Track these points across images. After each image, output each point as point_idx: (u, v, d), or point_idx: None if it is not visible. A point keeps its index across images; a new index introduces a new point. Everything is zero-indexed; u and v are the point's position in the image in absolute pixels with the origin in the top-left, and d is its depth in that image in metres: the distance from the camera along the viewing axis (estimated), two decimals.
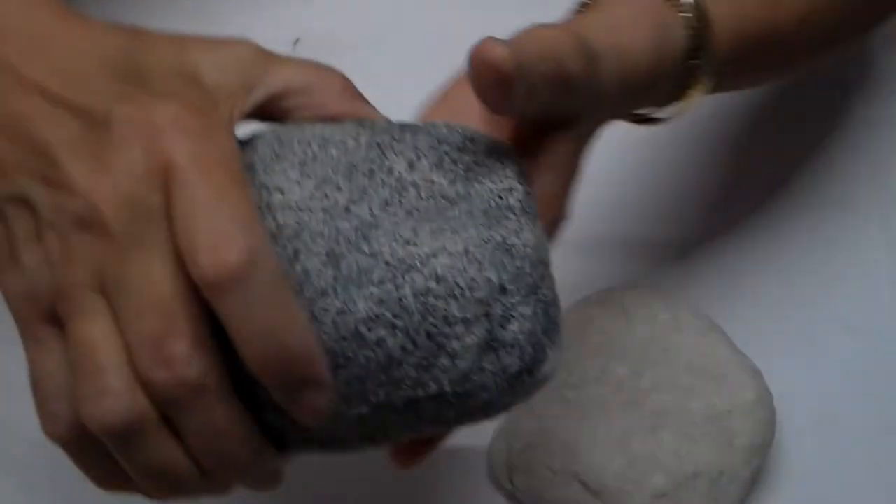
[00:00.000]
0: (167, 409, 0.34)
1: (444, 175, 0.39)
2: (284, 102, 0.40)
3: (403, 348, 0.36)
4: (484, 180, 0.40)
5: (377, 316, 0.35)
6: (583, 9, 0.49)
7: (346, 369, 0.35)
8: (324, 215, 0.36)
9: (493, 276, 0.37)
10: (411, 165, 0.39)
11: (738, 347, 0.57)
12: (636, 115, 0.50)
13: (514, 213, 0.39)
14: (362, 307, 0.35)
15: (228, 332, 0.33)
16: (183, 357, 0.33)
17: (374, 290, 0.35)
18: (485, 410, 0.38)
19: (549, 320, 0.38)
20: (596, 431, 0.54)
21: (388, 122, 0.41)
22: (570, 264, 0.59)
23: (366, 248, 0.36)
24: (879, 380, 0.61)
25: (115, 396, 0.33)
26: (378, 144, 0.39)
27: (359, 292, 0.35)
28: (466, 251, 0.37)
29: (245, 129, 0.40)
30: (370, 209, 0.37)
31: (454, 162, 0.39)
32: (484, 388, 0.37)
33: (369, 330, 0.35)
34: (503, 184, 0.40)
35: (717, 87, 0.49)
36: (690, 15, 0.47)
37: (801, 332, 0.62)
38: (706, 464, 0.53)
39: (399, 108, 0.66)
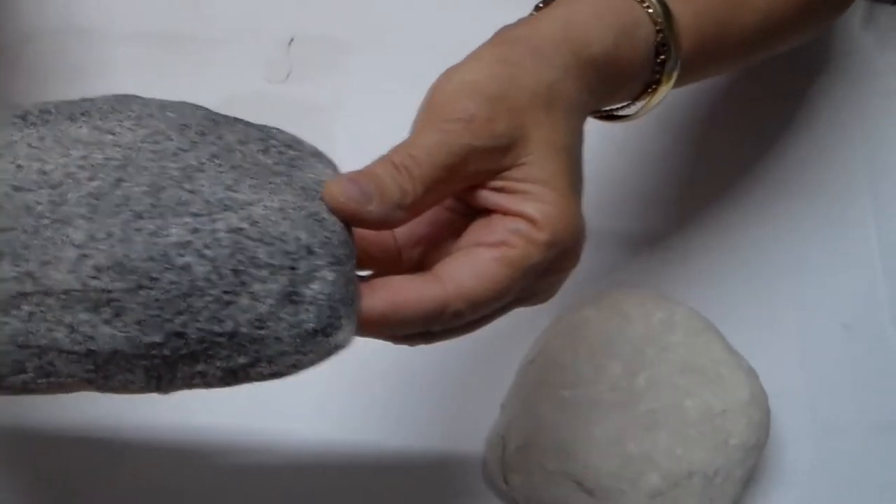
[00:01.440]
0: None
1: (269, 157, 0.42)
2: None
3: (208, 278, 0.37)
4: (305, 170, 0.42)
5: (188, 242, 0.38)
6: (543, 6, 0.49)
7: (149, 290, 0.37)
8: (152, 155, 0.39)
9: (303, 237, 0.39)
10: (241, 142, 0.42)
11: (733, 347, 0.57)
12: (603, 112, 0.50)
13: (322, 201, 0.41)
14: (175, 232, 0.38)
15: None
16: None
17: (189, 220, 0.38)
18: (273, 363, 0.39)
19: (348, 293, 0.40)
20: (591, 431, 0.54)
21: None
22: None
23: (187, 186, 0.39)
24: (874, 379, 0.61)
25: None
26: (213, 119, 0.42)
27: (175, 220, 0.38)
28: (282, 209, 0.39)
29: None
30: (197, 157, 0.40)
31: (280, 153, 0.42)
32: (278, 338, 0.38)
33: (179, 255, 0.37)
34: (322, 176, 0.42)
35: (680, 81, 0.50)
36: (654, 10, 0.48)
37: (796, 332, 0.62)
38: (701, 463, 0.53)
39: (393, 108, 0.67)
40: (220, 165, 0.40)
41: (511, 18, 0.72)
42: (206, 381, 0.39)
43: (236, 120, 0.43)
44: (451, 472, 0.58)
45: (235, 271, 0.38)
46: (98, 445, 0.58)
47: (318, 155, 0.43)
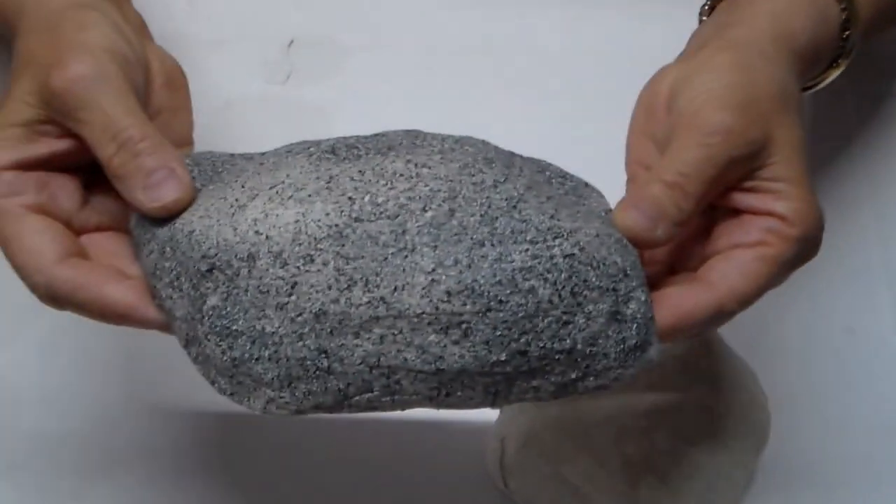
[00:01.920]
0: None
1: (556, 189, 0.46)
2: None
3: (550, 300, 0.41)
4: (588, 199, 0.47)
5: (531, 267, 0.41)
6: (716, 4, 0.52)
7: (497, 312, 0.40)
8: (474, 186, 0.43)
9: (619, 261, 0.42)
10: (532, 173, 0.45)
11: (734, 349, 0.57)
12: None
13: (615, 227, 0.44)
14: (518, 258, 0.41)
15: None
16: None
17: (527, 246, 0.41)
18: (599, 377, 0.42)
19: (653, 313, 0.43)
20: (590, 433, 0.54)
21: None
22: None
23: (517, 215, 0.42)
24: (875, 381, 0.61)
25: None
26: (503, 152, 0.46)
27: (514, 247, 0.41)
28: (598, 235, 0.43)
29: None
30: (515, 188, 0.43)
31: (560, 184, 0.47)
32: (605, 354, 0.42)
33: (525, 279, 0.41)
34: (603, 205, 0.46)
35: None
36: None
37: (796, 334, 0.62)
38: (701, 465, 0.53)
39: (394, 109, 0.67)
40: (537, 196, 0.43)
41: (510, 22, 0.73)
42: (538, 396, 0.42)
43: (511, 152, 0.47)
44: (451, 474, 0.57)
45: (573, 293, 0.41)
46: (98, 445, 0.58)
47: (588, 185, 0.48)
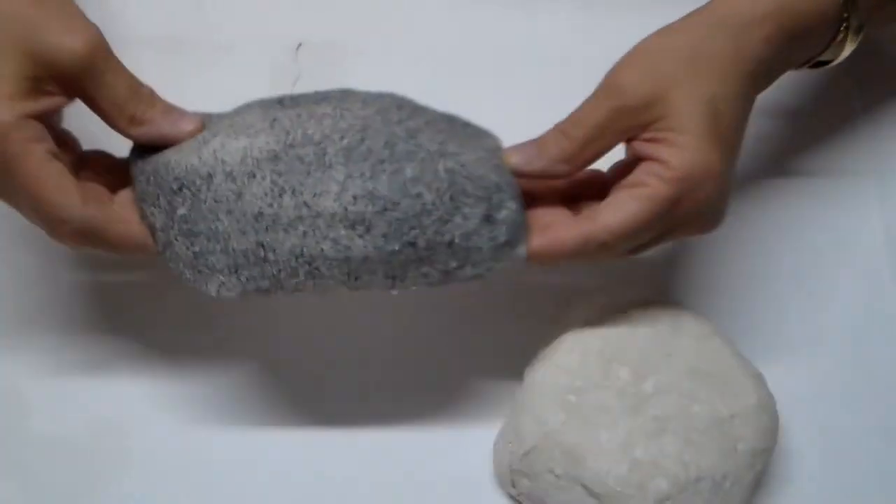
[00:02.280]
0: None
1: (458, 129, 0.56)
2: None
3: (434, 203, 0.52)
4: (483, 139, 0.56)
5: (418, 178, 0.52)
6: None
7: (392, 212, 0.51)
8: (382, 123, 0.54)
9: (494, 178, 0.53)
10: (440, 118, 0.56)
11: (741, 352, 0.57)
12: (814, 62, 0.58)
13: (503, 168, 0.54)
14: (409, 172, 0.52)
15: None
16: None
17: (417, 164, 0.52)
18: (476, 266, 0.53)
19: (524, 220, 0.54)
20: (599, 436, 0.54)
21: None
22: (571, 269, 0.60)
23: (412, 142, 0.53)
24: (884, 384, 0.61)
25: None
26: (416, 105, 0.56)
27: (408, 164, 0.52)
28: (479, 159, 0.54)
29: None
30: (416, 124, 0.54)
31: (463, 127, 0.56)
32: (479, 248, 0.53)
33: (413, 187, 0.52)
34: (495, 145, 0.56)
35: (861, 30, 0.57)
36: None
37: (804, 337, 0.62)
38: (709, 468, 0.53)
39: None
40: (431, 130, 0.54)
41: (518, 23, 0.73)
42: (429, 281, 0.53)
43: (425, 106, 0.56)
44: (459, 476, 0.58)
45: (452, 199, 0.52)
46: (98, 445, 0.59)
47: (489, 133, 0.57)
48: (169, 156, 0.54)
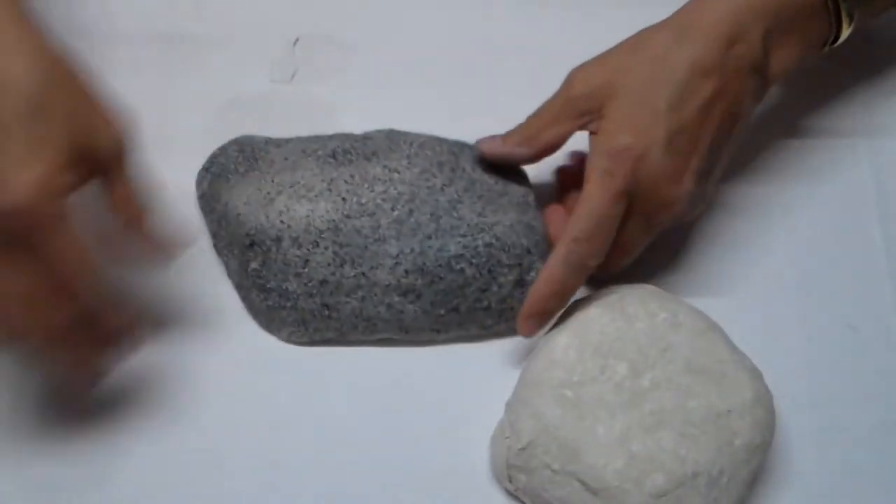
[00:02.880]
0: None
1: (490, 177, 0.63)
2: None
3: (474, 276, 0.60)
4: (512, 185, 0.64)
5: (462, 255, 0.60)
6: None
7: (438, 284, 0.60)
8: (427, 191, 0.61)
9: (525, 242, 0.61)
10: (472, 168, 0.63)
11: (738, 347, 0.57)
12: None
13: (531, 209, 0.63)
14: (453, 248, 0.60)
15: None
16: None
17: (460, 239, 0.60)
18: (508, 322, 0.61)
19: None
20: (595, 431, 0.54)
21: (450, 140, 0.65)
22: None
23: (455, 214, 0.61)
24: (881, 379, 0.61)
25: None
26: (453, 152, 0.64)
27: (451, 239, 0.60)
28: (511, 225, 0.61)
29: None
30: (456, 191, 0.62)
31: (494, 171, 0.64)
32: (512, 308, 0.61)
33: (456, 262, 0.60)
34: (524, 189, 0.64)
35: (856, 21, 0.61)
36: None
37: (799, 331, 0.62)
38: (706, 463, 0.53)
39: (397, 108, 0.67)
40: (470, 196, 0.62)
41: (515, 18, 0.73)
42: (469, 335, 0.61)
43: (462, 145, 0.64)
44: (457, 471, 0.58)
45: (490, 271, 0.60)
46: (98, 445, 0.59)
47: (517, 171, 0.64)
48: (237, 204, 0.62)
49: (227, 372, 0.60)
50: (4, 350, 0.54)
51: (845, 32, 0.62)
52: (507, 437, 0.56)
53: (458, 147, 0.64)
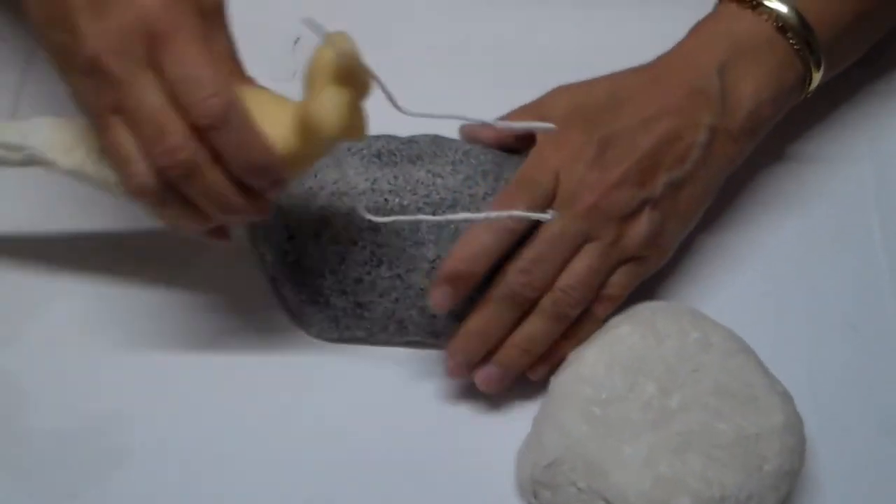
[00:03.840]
0: (178, 184, 0.51)
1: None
2: None
3: None
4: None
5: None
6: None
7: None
8: (470, 197, 0.60)
9: None
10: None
11: (769, 369, 0.56)
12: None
13: None
14: None
15: (219, 153, 0.50)
16: (175, 146, 0.49)
17: None
18: None
19: None
20: (622, 450, 0.54)
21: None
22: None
23: None
24: (878, 378, 0.61)
25: (139, 177, 0.51)
26: (496, 162, 0.62)
27: None
28: None
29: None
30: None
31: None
32: None
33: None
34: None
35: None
36: (801, 47, 0.61)
37: (799, 331, 0.62)
38: (733, 487, 0.53)
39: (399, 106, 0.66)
40: None
41: (516, 21, 0.73)
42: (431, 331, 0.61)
43: (506, 156, 0.63)
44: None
45: None
46: (98, 446, 0.58)
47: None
48: (281, 200, 0.60)
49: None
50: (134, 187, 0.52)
51: (816, 76, 0.62)
52: (533, 453, 0.56)
53: (502, 157, 0.63)
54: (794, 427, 0.55)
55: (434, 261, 0.59)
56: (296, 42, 0.67)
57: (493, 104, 0.64)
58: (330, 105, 0.50)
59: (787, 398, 0.56)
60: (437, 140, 0.63)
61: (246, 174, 0.51)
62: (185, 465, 0.58)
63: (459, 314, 0.58)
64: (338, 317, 0.60)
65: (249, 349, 0.61)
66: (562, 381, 0.56)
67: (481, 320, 0.57)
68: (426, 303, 0.59)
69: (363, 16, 0.72)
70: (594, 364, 0.56)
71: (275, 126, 0.51)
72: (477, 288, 0.57)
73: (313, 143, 0.51)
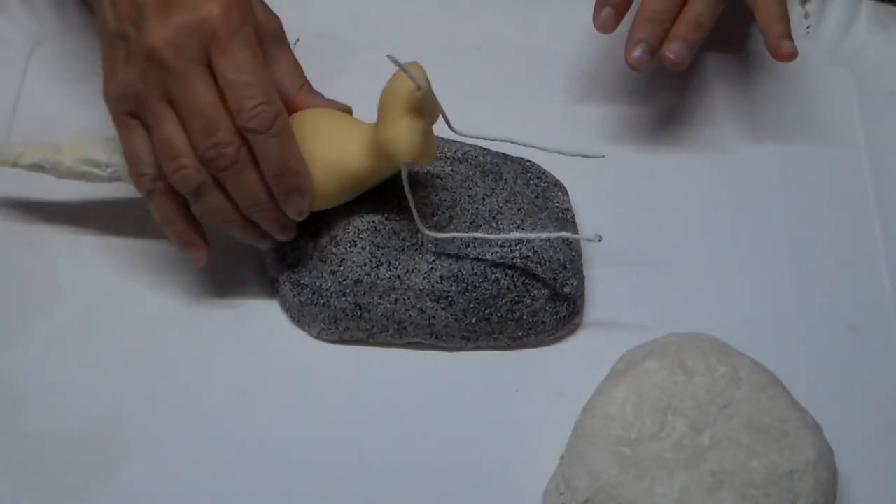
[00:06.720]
0: (217, 174, 0.55)
1: (531, 190, 0.63)
2: None
3: (508, 287, 0.60)
4: (553, 200, 0.64)
5: (498, 265, 0.60)
6: None
7: (472, 293, 0.60)
8: (470, 199, 0.61)
9: (561, 258, 0.61)
10: (514, 180, 0.63)
11: (798, 401, 0.56)
12: None
13: (570, 224, 0.63)
14: (490, 257, 0.60)
15: (257, 157, 0.55)
16: (224, 141, 0.54)
17: (498, 250, 0.60)
18: (538, 336, 0.61)
19: (583, 292, 0.63)
20: (654, 491, 0.53)
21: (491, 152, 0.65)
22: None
23: (495, 225, 0.61)
24: (878, 378, 0.61)
25: (187, 169, 0.55)
26: (496, 162, 0.63)
27: (489, 250, 0.60)
28: (549, 240, 0.61)
29: None
30: (497, 202, 0.62)
31: (536, 185, 0.64)
32: (543, 322, 0.61)
33: (492, 272, 0.60)
34: (563, 204, 0.64)
35: None
36: None
37: (798, 331, 0.63)
38: None
39: None
40: (511, 207, 0.61)
41: (515, 18, 0.73)
42: (497, 346, 0.61)
43: (506, 156, 0.64)
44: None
45: (524, 283, 0.60)
46: (98, 446, 0.58)
47: (557, 184, 0.65)
48: None
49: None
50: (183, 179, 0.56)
51: None
52: (561, 493, 0.55)
53: (501, 158, 0.63)
54: (827, 461, 0.55)
55: (434, 261, 0.59)
56: (295, 42, 0.65)
57: (494, 104, 0.65)
58: (407, 135, 0.55)
59: (817, 430, 0.55)
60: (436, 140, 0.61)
61: (278, 181, 0.56)
62: (185, 466, 0.58)
63: (457, 315, 0.60)
64: (338, 318, 0.60)
65: (250, 350, 0.61)
66: (589, 420, 0.56)
67: (656, 2, 0.62)
68: (426, 304, 0.59)
69: (363, 17, 0.72)
70: (622, 403, 0.55)
71: (347, 144, 0.58)
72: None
73: (386, 165, 0.57)
